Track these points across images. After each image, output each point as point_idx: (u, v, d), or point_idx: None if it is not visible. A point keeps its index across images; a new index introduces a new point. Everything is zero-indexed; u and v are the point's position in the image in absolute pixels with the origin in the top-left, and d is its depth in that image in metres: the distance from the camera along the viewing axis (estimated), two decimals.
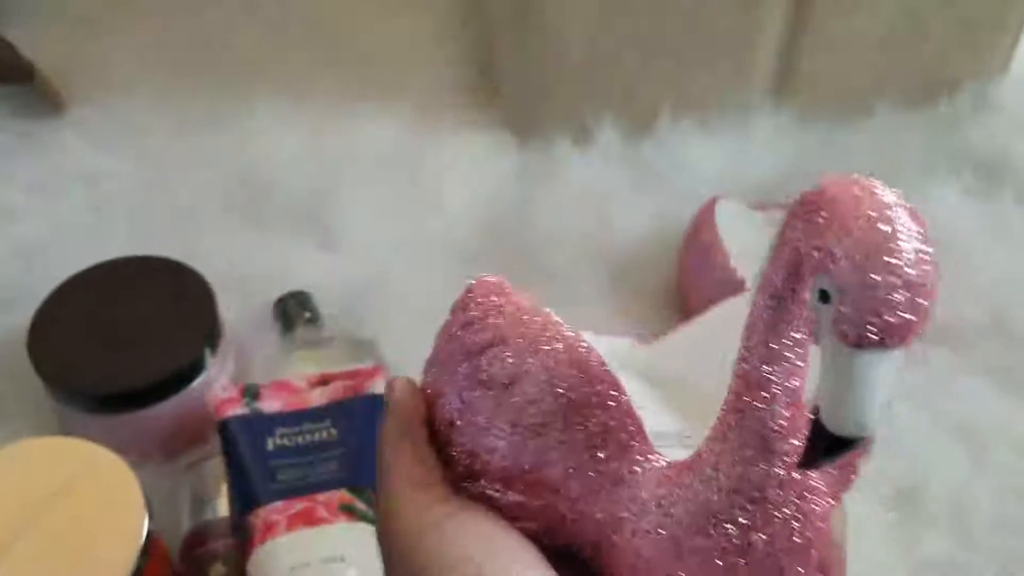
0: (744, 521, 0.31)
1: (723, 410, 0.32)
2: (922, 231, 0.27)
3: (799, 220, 0.29)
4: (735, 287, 0.71)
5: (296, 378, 0.64)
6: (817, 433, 0.28)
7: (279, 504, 0.57)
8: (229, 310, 0.70)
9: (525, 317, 0.35)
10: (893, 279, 0.26)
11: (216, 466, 0.62)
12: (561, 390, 0.34)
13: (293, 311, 0.71)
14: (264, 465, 0.59)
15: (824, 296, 0.28)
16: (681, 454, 0.34)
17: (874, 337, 0.27)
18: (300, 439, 0.61)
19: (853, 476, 0.36)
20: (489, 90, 0.92)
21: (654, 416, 0.41)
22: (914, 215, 0.28)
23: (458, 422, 0.35)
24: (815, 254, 0.28)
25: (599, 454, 0.34)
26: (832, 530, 0.35)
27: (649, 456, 0.34)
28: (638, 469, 0.34)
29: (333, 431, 0.61)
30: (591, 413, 0.34)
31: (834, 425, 0.28)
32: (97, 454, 0.56)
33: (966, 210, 0.83)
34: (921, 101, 0.90)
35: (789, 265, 0.29)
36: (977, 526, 0.65)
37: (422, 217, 0.83)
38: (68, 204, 0.83)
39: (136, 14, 0.99)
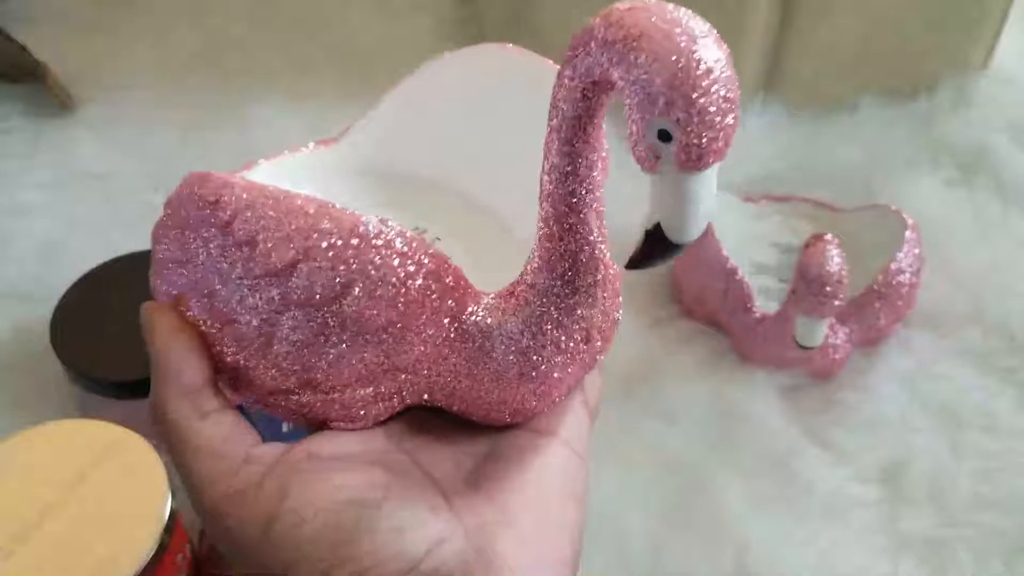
0: (585, 326, 0.34)
1: (542, 237, 0.33)
2: (717, 40, 0.29)
3: (607, 55, 0.29)
4: (728, 275, 0.74)
5: None
6: (656, 243, 0.31)
7: None
8: None
9: (318, 220, 0.33)
10: (725, 104, 0.28)
11: None
12: (398, 285, 0.33)
13: None
14: None
15: (663, 135, 0.29)
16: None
17: (713, 159, 0.29)
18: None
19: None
20: None
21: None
22: (708, 27, 0.29)
23: (274, 344, 0.34)
24: (643, 96, 0.29)
25: (443, 321, 0.34)
26: None
27: (480, 301, 0.35)
28: (479, 316, 0.34)
29: None
30: (429, 295, 0.33)
31: (678, 236, 0.30)
32: (121, 435, 0.58)
33: (947, 201, 0.86)
34: (903, 97, 0.93)
35: (586, 93, 0.31)
36: (956, 504, 0.68)
37: None
38: (80, 201, 0.85)
39: (142, 16, 1.01)
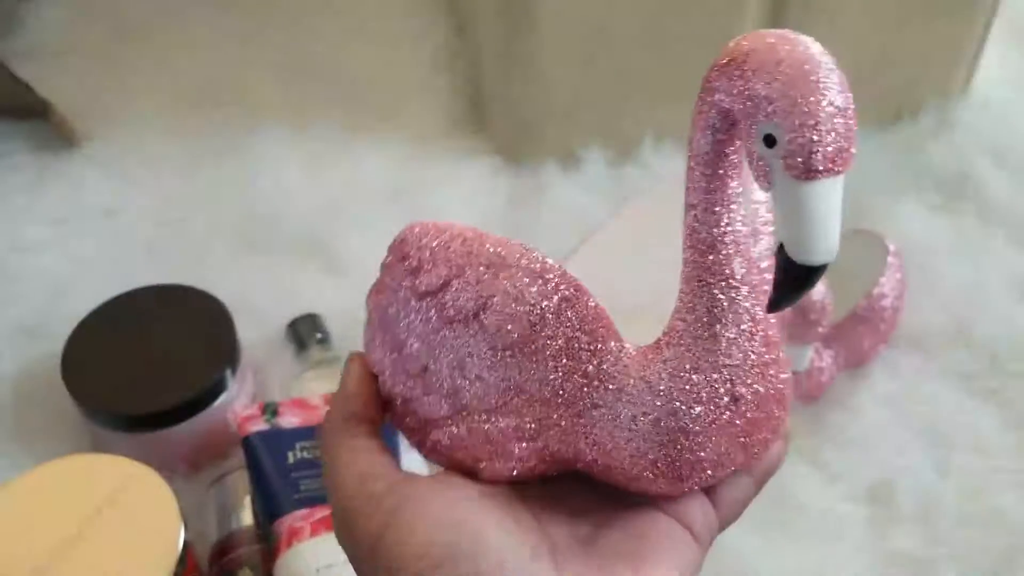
0: (729, 377, 0.33)
1: (684, 283, 0.34)
2: (833, 59, 0.30)
3: (721, 81, 0.31)
4: None
5: (311, 395, 0.69)
6: (785, 269, 0.31)
7: (302, 512, 0.61)
8: (245, 333, 0.74)
9: (475, 246, 0.35)
10: (830, 108, 0.29)
11: (239, 479, 0.67)
12: (532, 303, 0.34)
13: (305, 332, 0.76)
14: (286, 477, 0.63)
15: (769, 140, 0.30)
16: None
17: (823, 166, 0.29)
18: (318, 451, 0.65)
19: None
20: (480, 120, 0.97)
21: None
22: (819, 46, 0.30)
23: (431, 365, 0.36)
24: (749, 104, 0.30)
25: (581, 355, 0.34)
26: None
27: (623, 346, 0.35)
28: (621, 360, 0.34)
29: None
30: (564, 319, 0.34)
31: (805, 257, 0.30)
32: (135, 469, 0.60)
33: (931, 225, 0.87)
34: (886, 123, 0.95)
35: (715, 128, 0.32)
36: (943, 522, 0.69)
37: None
38: (87, 236, 0.87)
39: (144, 50, 1.03)
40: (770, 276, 0.33)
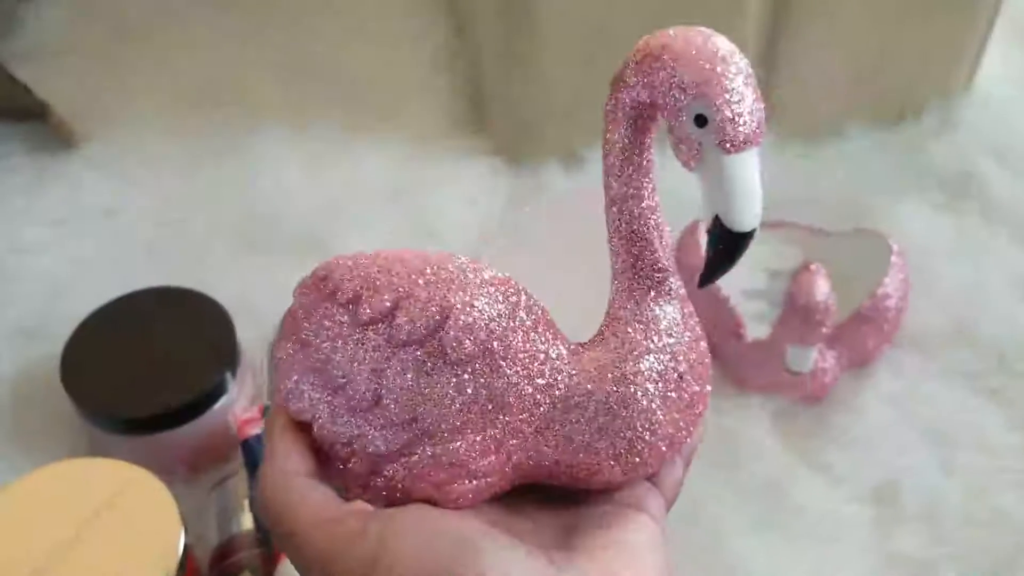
0: (673, 354, 0.36)
1: (618, 274, 0.36)
2: (730, 42, 0.33)
3: (639, 77, 0.33)
4: (719, 303, 0.76)
5: None
6: (718, 239, 0.33)
7: None
8: (245, 334, 0.74)
9: (416, 266, 0.35)
10: (748, 86, 0.32)
11: (240, 482, 0.66)
12: (487, 314, 0.34)
13: None
14: None
15: (700, 120, 0.32)
16: None
17: (750, 137, 0.32)
18: None
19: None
20: (480, 120, 0.96)
21: None
22: (720, 35, 0.33)
23: (384, 395, 0.34)
24: (676, 90, 0.33)
25: (537, 356, 0.35)
26: None
27: (571, 343, 0.36)
28: (573, 355, 0.36)
29: None
30: (518, 323, 0.35)
31: (739, 223, 0.33)
32: (133, 473, 0.59)
33: (934, 224, 0.87)
34: (889, 122, 0.94)
35: (632, 122, 0.35)
36: (947, 522, 0.69)
37: (420, 240, 0.86)
38: (86, 237, 0.86)
39: (145, 52, 1.02)
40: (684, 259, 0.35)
